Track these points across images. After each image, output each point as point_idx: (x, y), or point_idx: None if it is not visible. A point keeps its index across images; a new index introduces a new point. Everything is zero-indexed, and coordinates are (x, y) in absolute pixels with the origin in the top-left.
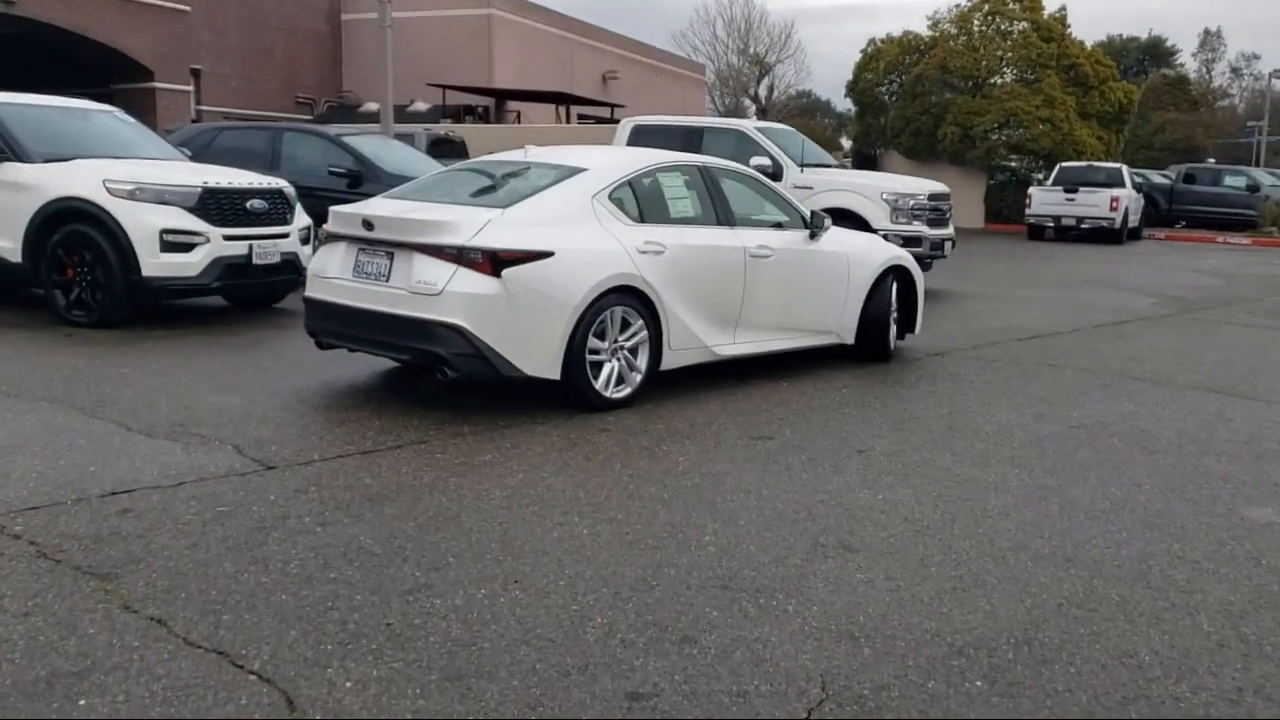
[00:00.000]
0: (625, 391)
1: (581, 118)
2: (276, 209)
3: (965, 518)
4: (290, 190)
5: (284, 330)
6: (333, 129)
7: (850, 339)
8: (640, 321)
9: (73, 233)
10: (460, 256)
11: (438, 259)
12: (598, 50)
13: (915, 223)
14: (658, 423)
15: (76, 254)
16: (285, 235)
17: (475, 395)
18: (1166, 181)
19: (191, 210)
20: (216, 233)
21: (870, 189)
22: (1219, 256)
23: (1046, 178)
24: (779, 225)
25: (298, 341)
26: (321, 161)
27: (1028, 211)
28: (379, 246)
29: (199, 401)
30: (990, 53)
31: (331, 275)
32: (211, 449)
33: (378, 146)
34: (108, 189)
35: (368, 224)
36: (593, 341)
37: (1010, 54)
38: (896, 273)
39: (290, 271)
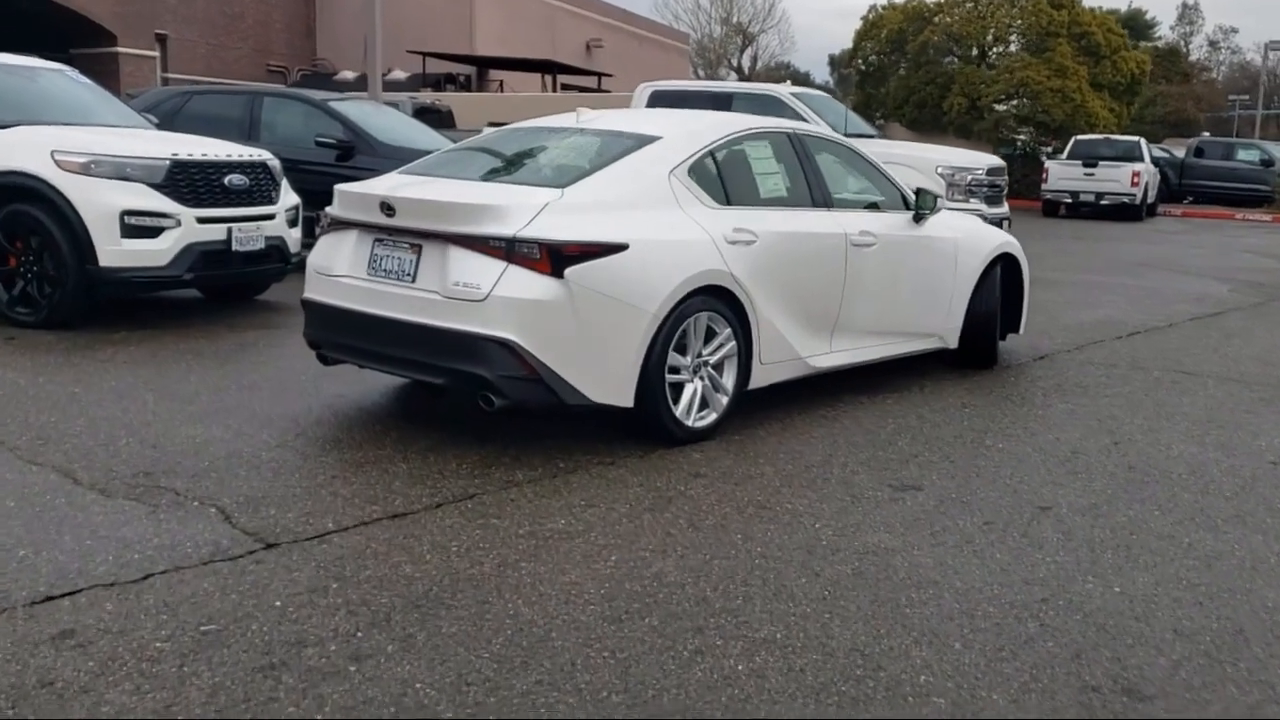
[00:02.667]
0: (710, 418)
1: (565, 87)
2: (259, 185)
3: (1254, 627)
4: (275, 163)
5: (273, 332)
6: (318, 94)
7: (954, 342)
8: (728, 330)
9: (14, 214)
10: (511, 251)
11: (481, 254)
12: (581, 18)
13: (973, 200)
14: (760, 462)
15: (20, 240)
16: (270, 217)
17: (517, 422)
18: (1165, 154)
19: (158, 187)
20: (188, 214)
21: (924, 162)
22: (1253, 235)
23: (1056, 151)
24: (875, 206)
25: (290, 347)
26: (306, 130)
27: (1044, 186)
28: (402, 237)
29: (170, 436)
30: (999, 19)
31: (339, 273)
32: (188, 514)
33: (369, 114)
34: (57, 162)
35: (387, 208)
36: (672, 357)
37: (1020, 21)
38: (1004, 262)
39: (276, 259)
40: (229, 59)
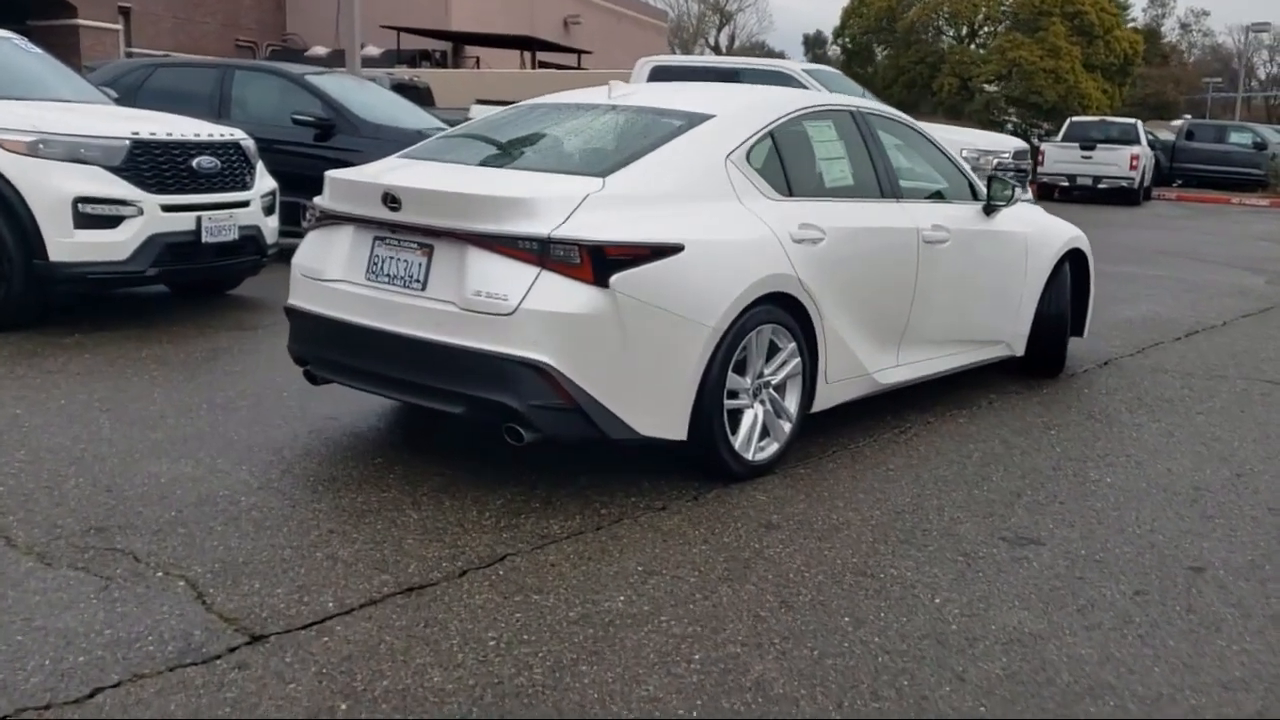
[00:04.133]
0: (771, 449)
1: (542, 65)
2: (232, 168)
3: None
4: (250, 144)
5: (248, 335)
6: (295, 68)
7: (1020, 349)
8: (792, 344)
9: None
10: (544, 253)
11: (508, 257)
12: None
13: None
14: (839, 506)
15: None
16: (244, 204)
17: (540, 450)
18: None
19: (117, 170)
20: (152, 201)
21: (947, 145)
22: (1259, 220)
23: (1049, 133)
24: (939, 195)
25: (270, 354)
26: (281, 107)
27: (1040, 169)
28: (410, 235)
29: (129, 474)
30: None
31: (332, 277)
32: (150, 590)
33: (350, 89)
34: (0, 141)
35: (391, 200)
36: (732, 379)
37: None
38: (1072, 258)
39: (251, 251)
40: (196, 33)
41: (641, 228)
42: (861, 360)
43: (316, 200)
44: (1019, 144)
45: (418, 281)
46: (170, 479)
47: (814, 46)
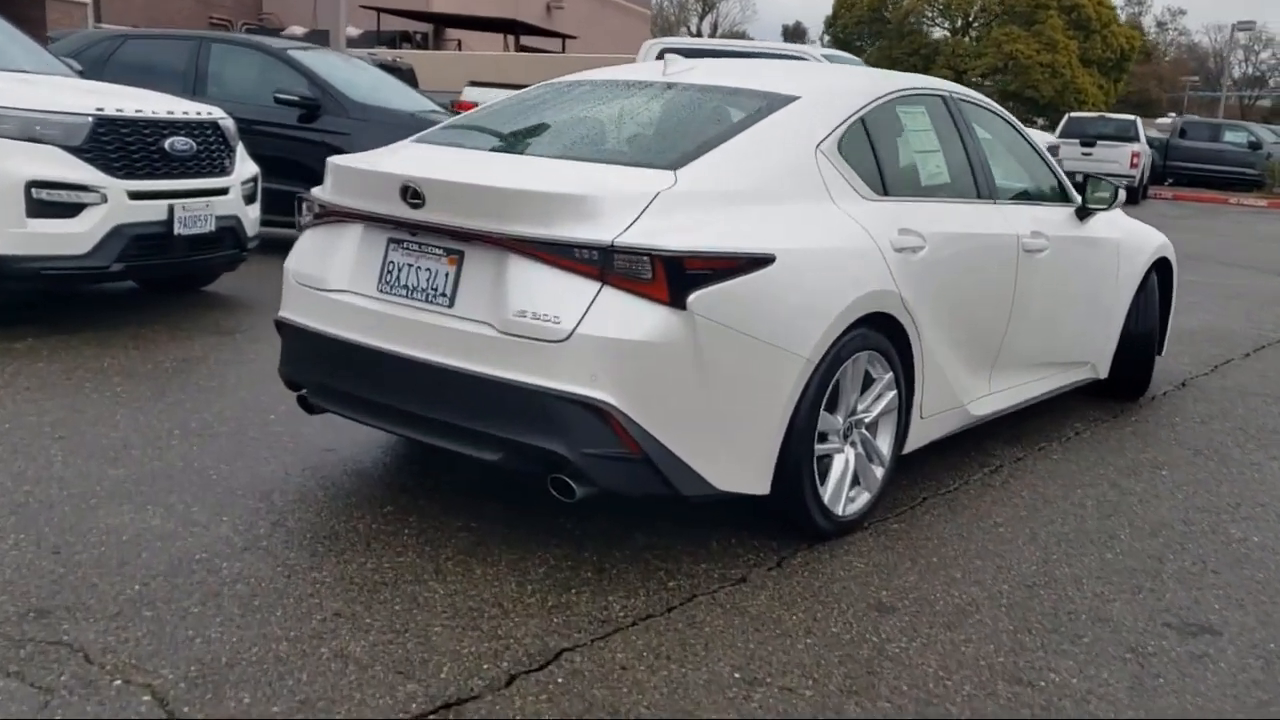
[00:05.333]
0: (862, 500)
1: (524, 49)
2: (209, 151)
3: None
4: (229, 123)
5: (227, 340)
6: (277, 42)
7: (1105, 370)
8: (888, 374)
9: None
10: (607, 265)
11: (561, 268)
12: None
13: None
14: (956, 576)
15: None
16: (222, 191)
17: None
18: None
19: (78, 151)
20: (117, 187)
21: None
22: (1262, 221)
23: (1042, 129)
24: (1026, 195)
25: (252, 364)
26: (263, 85)
27: None
28: (435, 239)
29: (83, 528)
30: None
31: (334, 286)
32: (105, 707)
33: (337, 67)
34: None
35: (413, 194)
36: (823, 419)
37: None
38: (1157, 267)
39: (230, 244)
40: (169, 10)
41: (725, 234)
42: (956, 390)
43: (315, 192)
44: (1051, 138)
45: (443, 296)
46: (134, 535)
47: (793, 38)
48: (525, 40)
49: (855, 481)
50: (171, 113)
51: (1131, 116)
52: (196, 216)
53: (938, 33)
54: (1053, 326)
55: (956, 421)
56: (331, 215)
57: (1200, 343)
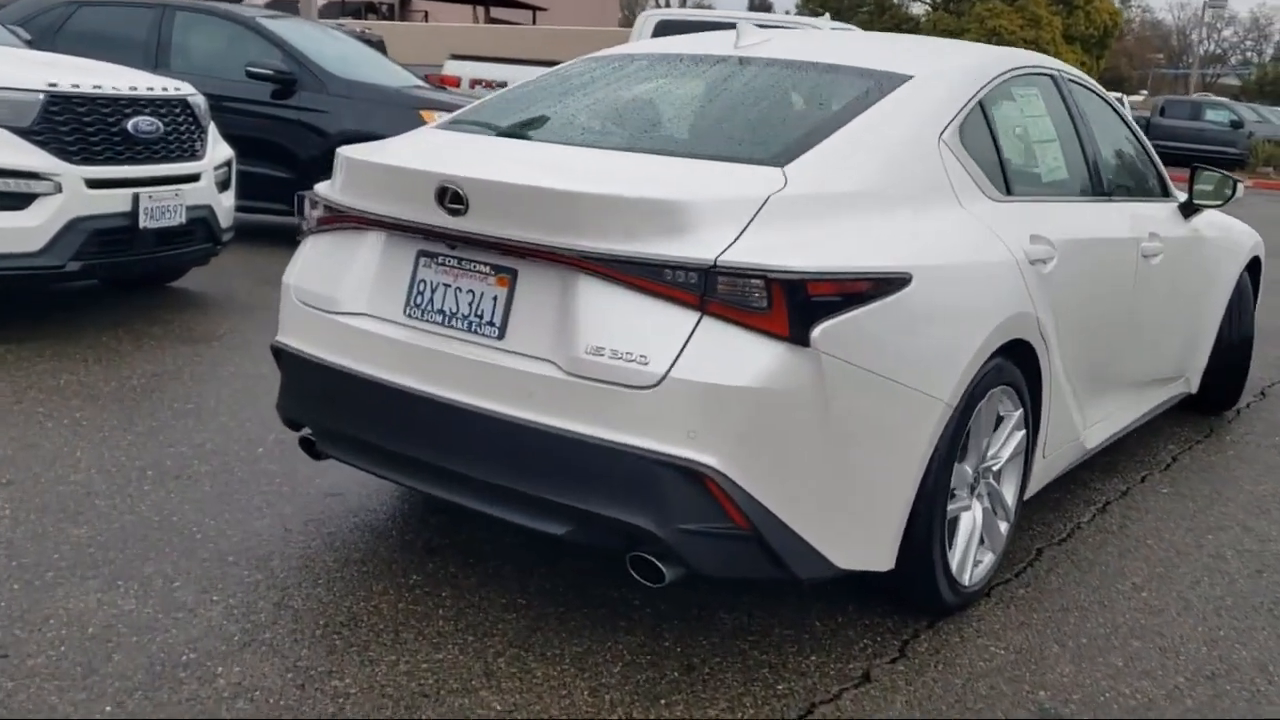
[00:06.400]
0: (986, 563)
1: (494, 20)
2: (178, 133)
3: None
4: (200, 101)
5: (200, 350)
6: (246, 10)
7: (1196, 383)
8: (1018, 412)
9: None
10: (708, 290)
11: (647, 293)
12: None
13: None
14: (1119, 665)
15: None
16: (193, 177)
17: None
18: None
19: (27, 134)
20: (74, 174)
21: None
22: (1258, 203)
23: None
24: (1128, 189)
25: (232, 383)
26: (232, 57)
27: None
28: (480, 252)
29: (32, 616)
30: None
31: (348, 309)
32: None
33: (314, 38)
34: None
35: (452, 196)
36: (956, 471)
37: None
38: (1250, 268)
39: (202, 238)
40: None
41: (851, 248)
42: (1074, 420)
43: (320, 190)
44: None
45: (491, 325)
46: (102, 626)
47: (757, 8)
48: (496, 12)
49: (980, 541)
50: (135, 89)
51: (1117, 94)
52: (164, 207)
53: (918, 7)
54: (1158, 339)
55: (1072, 456)
56: (343, 220)
57: (1265, 344)
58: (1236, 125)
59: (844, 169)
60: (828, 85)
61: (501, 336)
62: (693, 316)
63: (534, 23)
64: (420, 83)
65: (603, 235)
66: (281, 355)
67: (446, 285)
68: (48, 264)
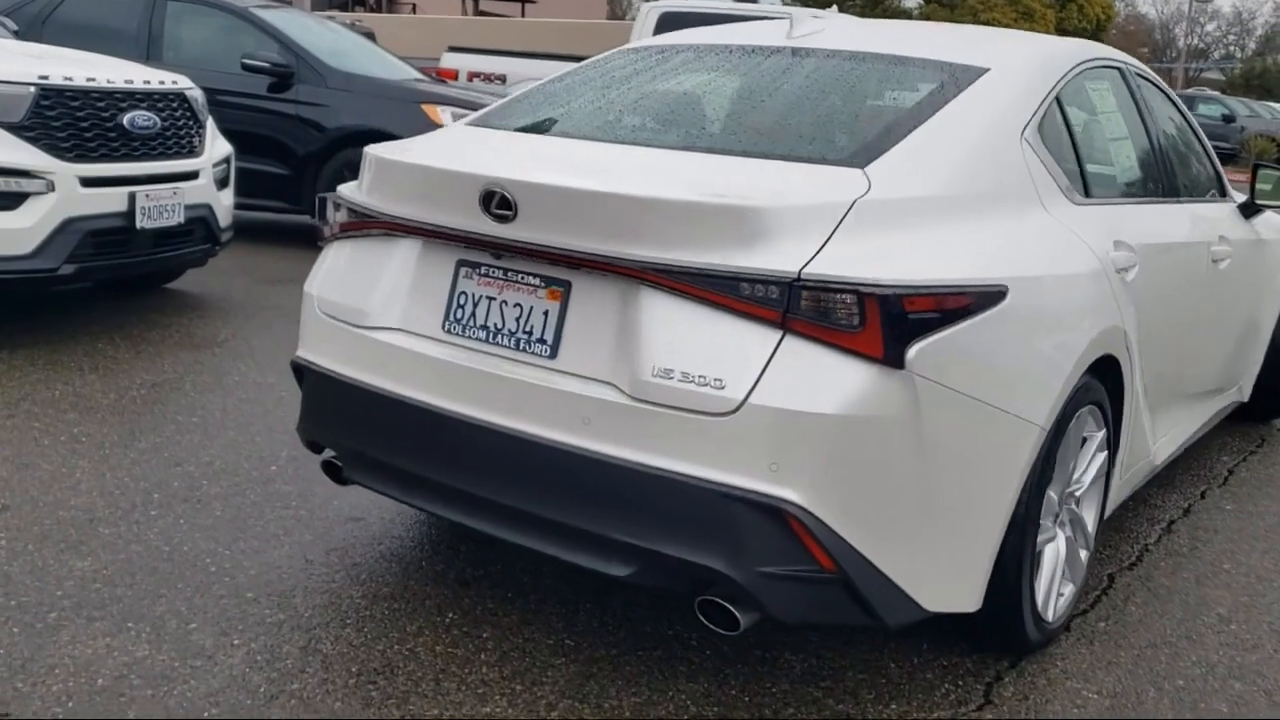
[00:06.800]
0: (1068, 595)
1: (482, 12)
2: (176, 128)
3: None
4: (198, 95)
5: (202, 357)
6: (242, 1)
7: (1249, 390)
8: (1101, 432)
9: None
10: (791, 305)
11: (722, 309)
12: None
13: None
14: (1230, 714)
15: None
16: (192, 175)
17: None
18: None
19: (19, 129)
20: (67, 172)
21: None
22: None
23: None
24: (1191, 190)
25: (239, 393)
26: (227, 49)
27: None
28: (528, 262)
29: (36, 670)
30: None
31: (380, 323)
32: None
33: (311, 29)
34: None
35: (499, 201)
36: (1047, 499)
37: None
38: None
39: (201, 238)
40: None
41: (944, 259)
42: (1147, 436)
43: (345, 192)
44: None
45: (541, 342)
46: (114, 677)
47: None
48: (483, 4)
49: (1062, 573)
50: (130, 82)
51: None
52: (162, 206)
53: (911, 1)
54: (1219, 346)
55: (1144, 475)
56: (372, 225)
57: None
58: (1229, 119)
59: (929, 170)
60: (898, 78)
61: (553, 355)
62: (774, 335)
63: (523, 15)
64: (420, 75)
65: (669, 244)
66: (303, 372)
67: (491, 298)
68: (40, 267)
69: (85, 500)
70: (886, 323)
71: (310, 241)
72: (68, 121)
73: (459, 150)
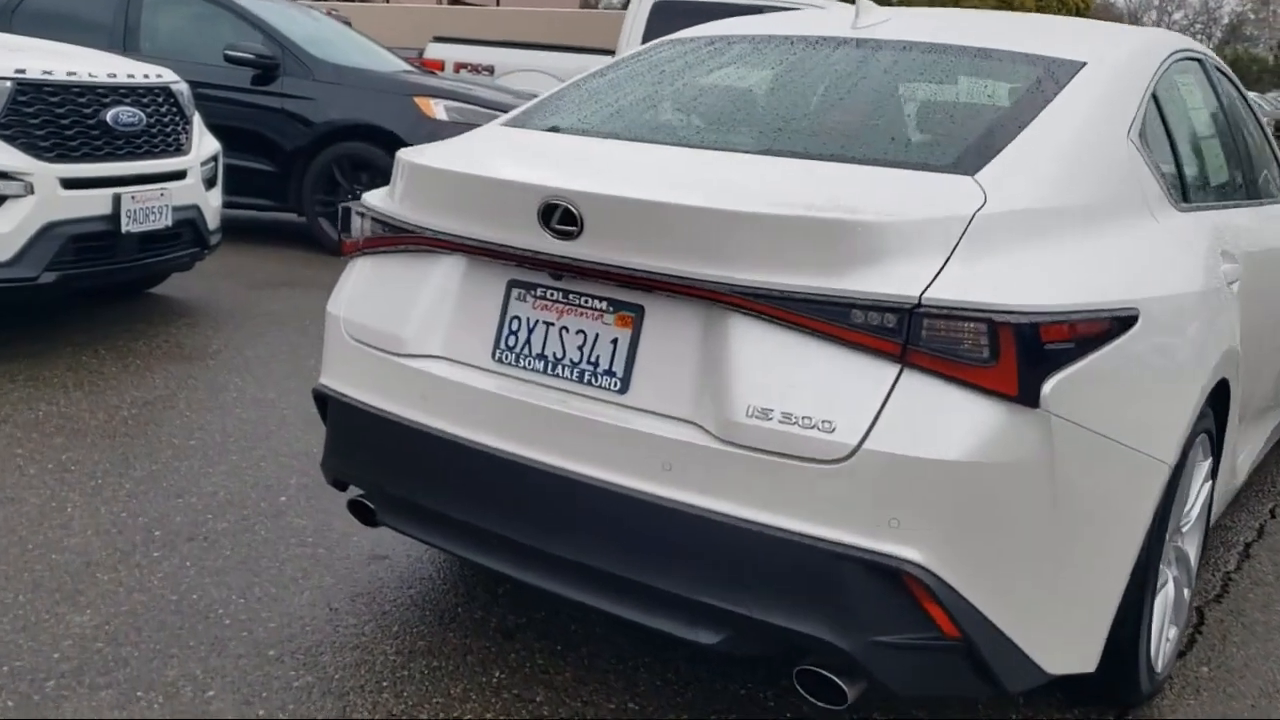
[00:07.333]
0: (1172, 637)
1: (455, 1)
2: (162, 124)
3: None
4: (184, 89)
5: (195, 370)
6: None
7: None
8: (1207, 462)
9: None
10: (911, 335)
11: (828, 339)
12: None
13: None
14: None
15: None
16: (180, 175)
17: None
18: None
19: None
20: (47, 173)
21: None
22: None
23: None
24: (1269, 190)
25: (238, 411)
26: (207, 40)
27: None
28: (592, 284)
29: None
30: None
31: (416, 350)
32: None
33: (296, 20)
34: None
35: (563, 215)
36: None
37: None
38: None
39: (189, 241)
40: None
41: (1074, 279)
42: (1236, 457)
43: (374, 201)
44: None
45: (609, 375)
46: None
47: None
48: None
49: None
50: (113, 76)
51: None
52: (149, 208)
53: None
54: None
55: (1229, 498)
56: (407, 240)
57: None
58: None
59: (1043, 177)
60: (988, 73)
61: (624, 390)
62: (890, 370)
63: (498, 4)
64: (408, 67)
65: (763, 264)
66: (329, 403)
67: (548, 324)
68: (19, 276)
69: (79, 540)
70: (1022, 355)
71: (299, 242)
72: (47, 119)
73: (507, 156)
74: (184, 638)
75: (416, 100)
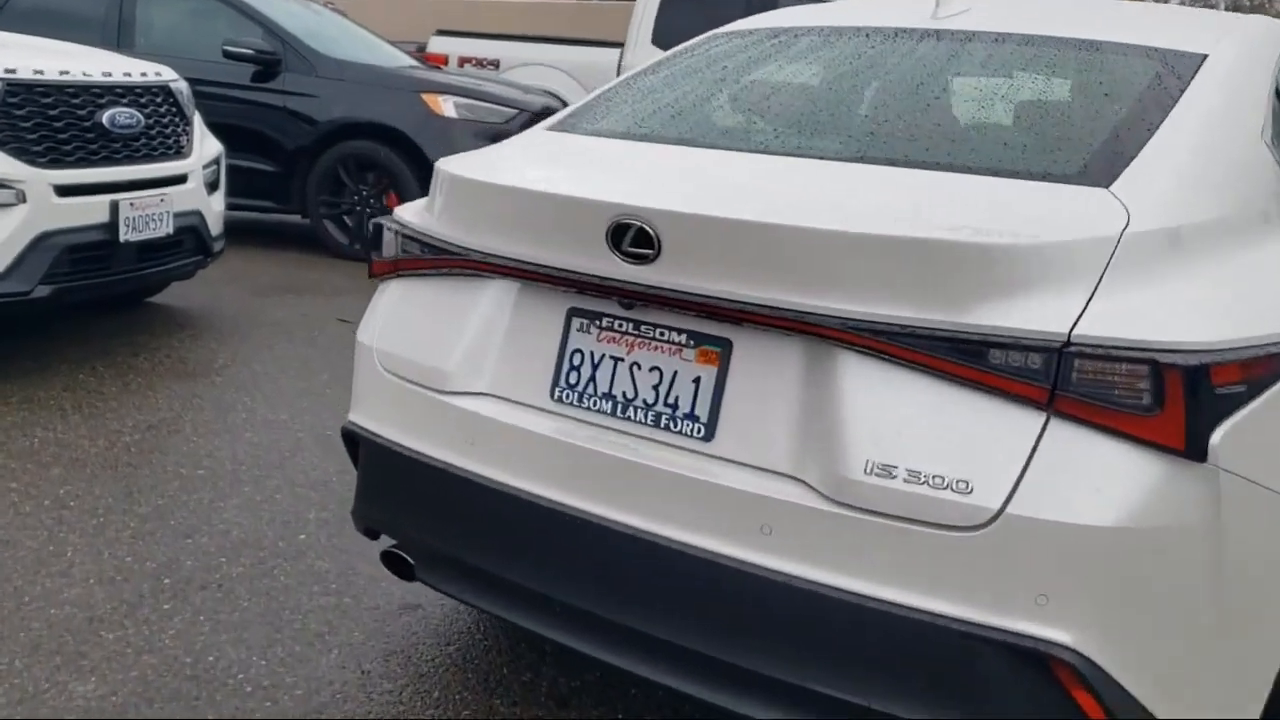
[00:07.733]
0: None
1: None
2: (162, 126)
3: None
4: (183, 88)
5: (200, 389)
6: None
7: None
8: None
9: None
10: (1060, 378)
11: (959, 382)
12: None
13: None
14: None
15: None
16: (180, 179)
17: None
18: None
19: None
20: (40, 180)
21: None
22: None
23: None
24: None
25: (249, 436)
26: (205, 35)
27: None
28: (669, 314)
29: None
30: None
31: (462, 387)
32: None
33: (297, 14)
34: None
35: (636, 235)
36: None
37: None
38: None
39: (191, 249)
40: None
41: (1235, 309)
42: None
43: (409, 217)
44: None
45: (691, 419)
46: None
47: None
48: None
49: None
50: (109, 74)
51: None
52: (149, 215)
53: None
54: None
55: None
56: (449, 263)
57: None
58: None
59: (1186, 188)
60: (1099, 68)
61: (709, 437)
62: (1035, 420)
63: None
64: (412, 62)
65: (876, 294)
66: (360, 444)
67: (617, 359)
68: (11, 291)
69: (81, 591)
70: (1190, 401)
71: (303, 245)
72: (40, 121)
73: (564, 167)
74: (201, 709)
75: (424, 97)
